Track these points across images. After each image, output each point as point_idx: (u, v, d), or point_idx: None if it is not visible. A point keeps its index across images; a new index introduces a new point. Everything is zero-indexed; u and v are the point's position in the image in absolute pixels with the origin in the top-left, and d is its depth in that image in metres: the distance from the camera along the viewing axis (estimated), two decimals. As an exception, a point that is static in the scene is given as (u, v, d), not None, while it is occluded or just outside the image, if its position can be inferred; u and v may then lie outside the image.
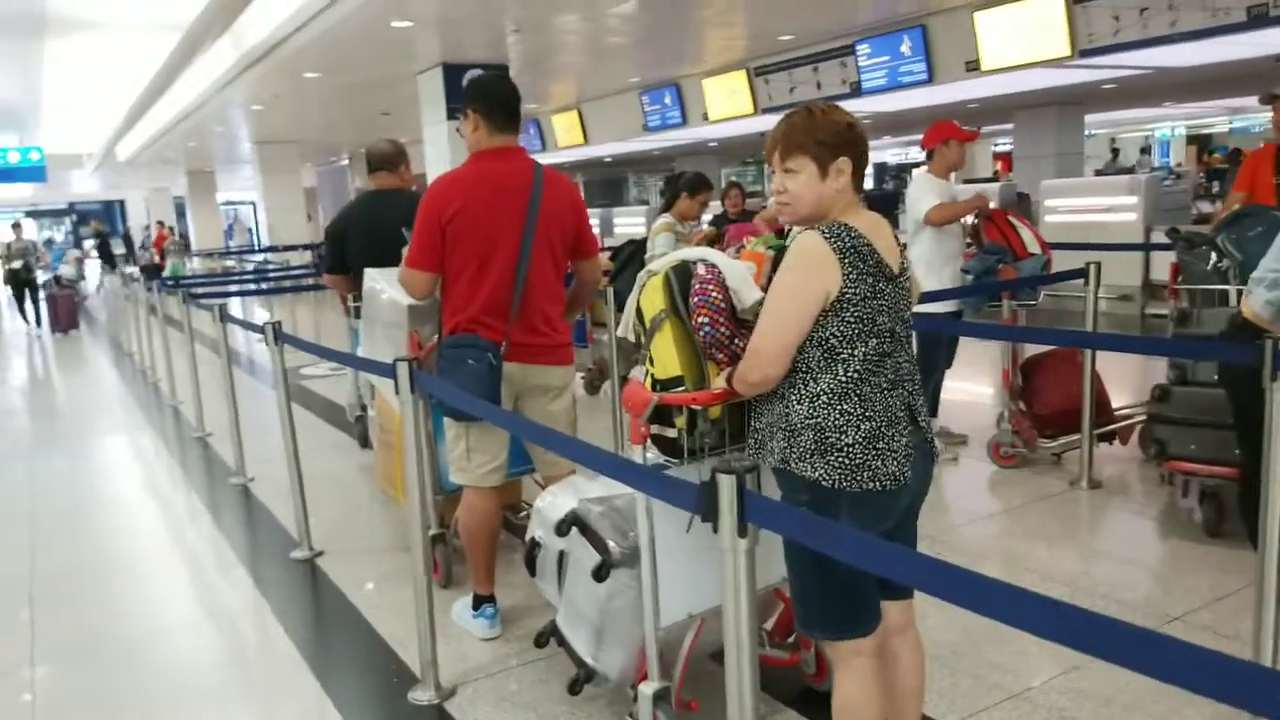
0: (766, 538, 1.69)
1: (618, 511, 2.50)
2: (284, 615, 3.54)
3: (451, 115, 9.40)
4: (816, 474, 1.90)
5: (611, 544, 2.42)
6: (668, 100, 13.34)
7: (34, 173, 20.28)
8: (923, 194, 4.65)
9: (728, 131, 14.07)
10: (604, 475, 2.41)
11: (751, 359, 1.96)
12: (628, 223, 15.02)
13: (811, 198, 1.97)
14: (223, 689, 3.08)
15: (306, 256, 16.15)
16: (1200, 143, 24.70)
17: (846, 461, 1.89)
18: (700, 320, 2.15)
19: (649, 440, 2.26)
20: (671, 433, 2.24)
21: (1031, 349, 4.90)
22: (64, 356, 11.81)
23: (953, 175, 4.90)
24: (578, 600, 2.57)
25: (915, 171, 6.49)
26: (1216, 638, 2.93)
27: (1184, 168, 20.09)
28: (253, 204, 28.28)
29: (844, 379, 1.91)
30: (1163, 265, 7.74)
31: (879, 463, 1.89)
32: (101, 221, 26.61)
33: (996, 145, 23.91)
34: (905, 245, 2.11)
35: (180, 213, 28.87)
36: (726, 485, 1.63)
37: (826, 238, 1.90)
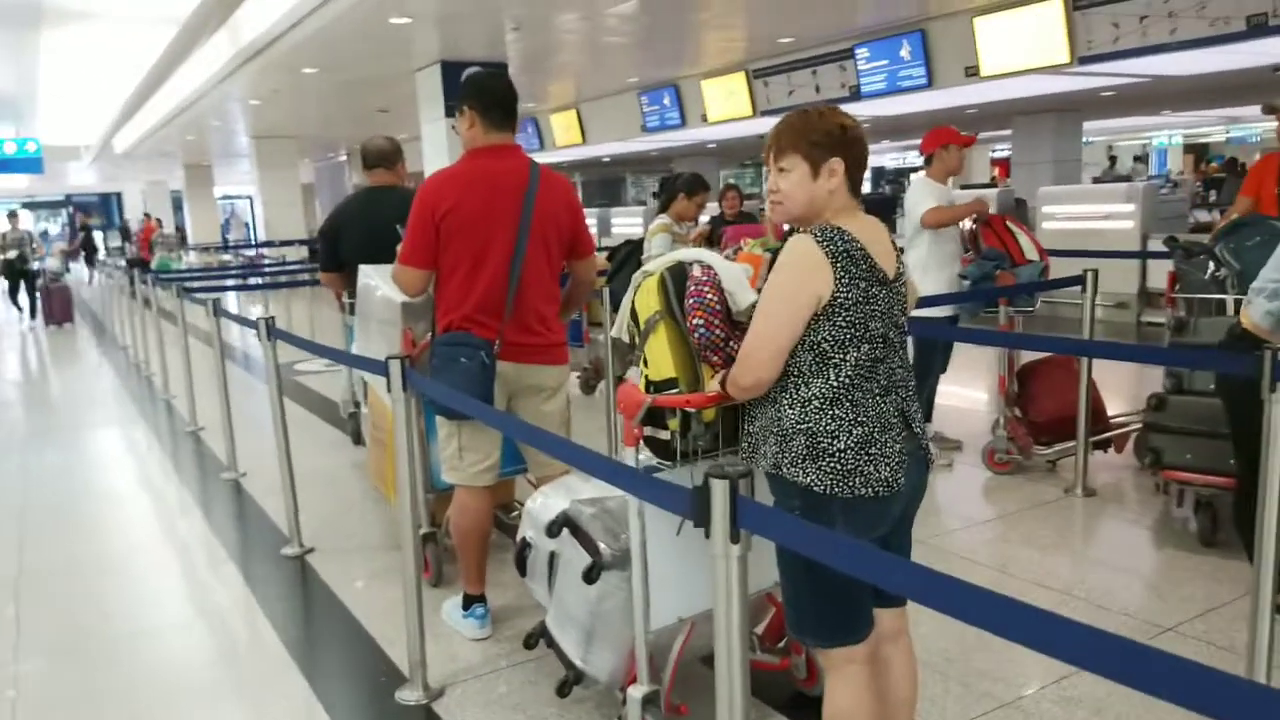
0: (758, 541, 1.68)
1: (609, 513, 2.49)
2: (273, 613, 3.52)
3: (450, 113, 9.34)
4: (809, 479, 1.88)
5: (602, 546, 2.40)
6: (666, 101, 13.30)
7: (30, 164, 20.25)
8: (921, 198, 4.65)
9: (726, 133, 14.05)
10: (595, 478, 2.40)
11: (743, 362, 1.95)
12: (625, 223, 15.04)
13: (803, 197, 1.96)
14: (210, 687, 3.06)
15: (303, 252, 16.12)
16: (1197, 152, 24.77)
17: (838, 467, 1.87)
18: (695, 322, 2.14)
19: (642, 442, 2.24)
20: (665, 435, 2.23)
21: (1028, 355, 4.90)
22: (58, 349, 11.77)
23: (951, 180, 4.90)
24: (568, 602, 2.56)
25: (914, 176, 6.48)
26: (1210, 649, 2.92)
27: (1182, 176, 20.13)
28: (250, 198, 28.21)
29: (836, 384, 1.89)
30: (1159, 273, 7.76)
31: (871, 468, 1.88)
32: (90, 214, 26.46)
33: (994, 151, 23.97)
34: (902, 250, 2.10)
35: (177, 206, 28.79)
36: (719, 490, 1.61)
37: (818, 240, 1.89)
